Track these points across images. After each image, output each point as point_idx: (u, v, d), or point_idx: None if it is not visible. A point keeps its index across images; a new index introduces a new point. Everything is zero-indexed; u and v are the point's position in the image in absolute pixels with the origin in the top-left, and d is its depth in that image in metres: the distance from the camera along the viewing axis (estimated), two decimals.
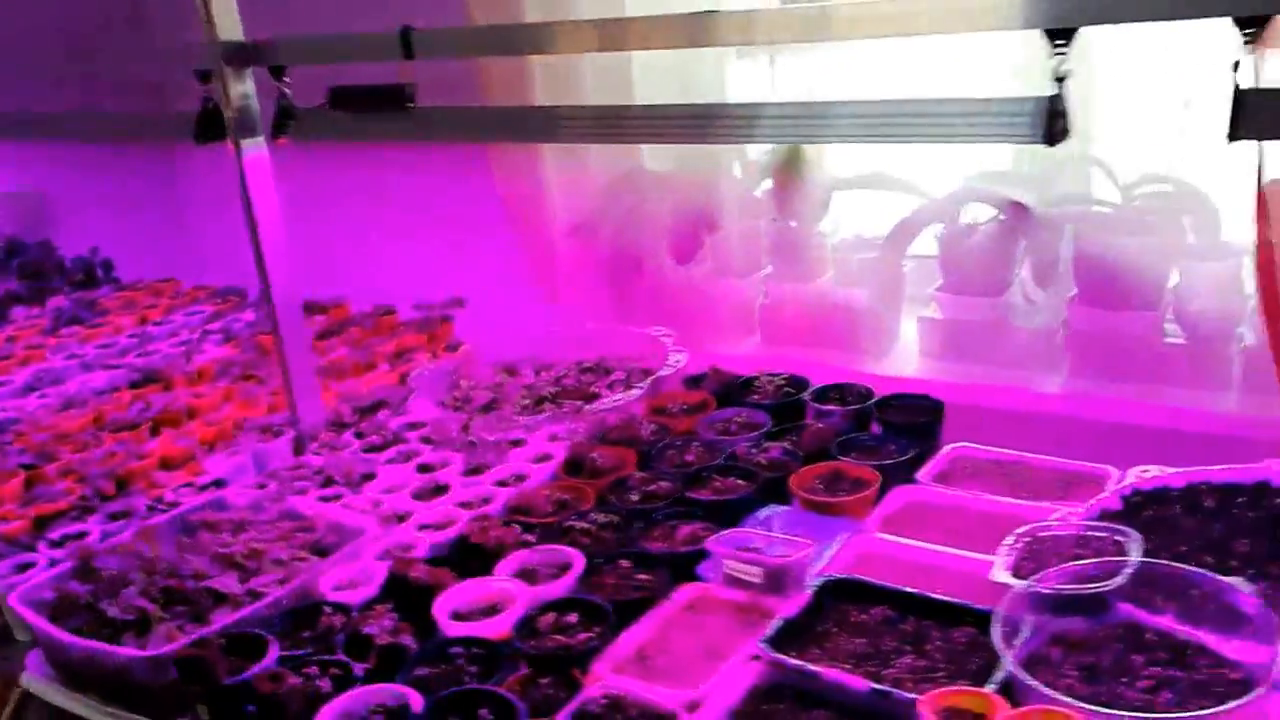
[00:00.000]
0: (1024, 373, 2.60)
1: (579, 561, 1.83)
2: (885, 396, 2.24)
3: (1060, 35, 1.41)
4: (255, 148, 2.19)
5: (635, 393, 2.34)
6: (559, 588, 1.78)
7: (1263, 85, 1.95)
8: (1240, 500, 1.86)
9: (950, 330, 2.69)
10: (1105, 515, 1.87)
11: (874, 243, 2.80)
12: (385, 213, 3.53)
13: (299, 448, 2.36)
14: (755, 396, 2.34)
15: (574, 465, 2.15)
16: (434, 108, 2.02)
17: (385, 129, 2.09)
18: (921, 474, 2.05)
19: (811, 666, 1.55)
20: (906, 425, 2.16)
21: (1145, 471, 1.97)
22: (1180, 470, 1.95)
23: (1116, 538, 1.68)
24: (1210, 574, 1.55)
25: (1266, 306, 2.14)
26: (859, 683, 1.51)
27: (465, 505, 2.05)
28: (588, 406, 2.30)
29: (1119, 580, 1.58)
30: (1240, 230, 2.31)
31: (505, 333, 2.89)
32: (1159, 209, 2.47)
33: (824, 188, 2.85)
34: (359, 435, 2.37)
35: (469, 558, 1.90)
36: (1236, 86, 1.36)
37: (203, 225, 4.04)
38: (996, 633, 1.51)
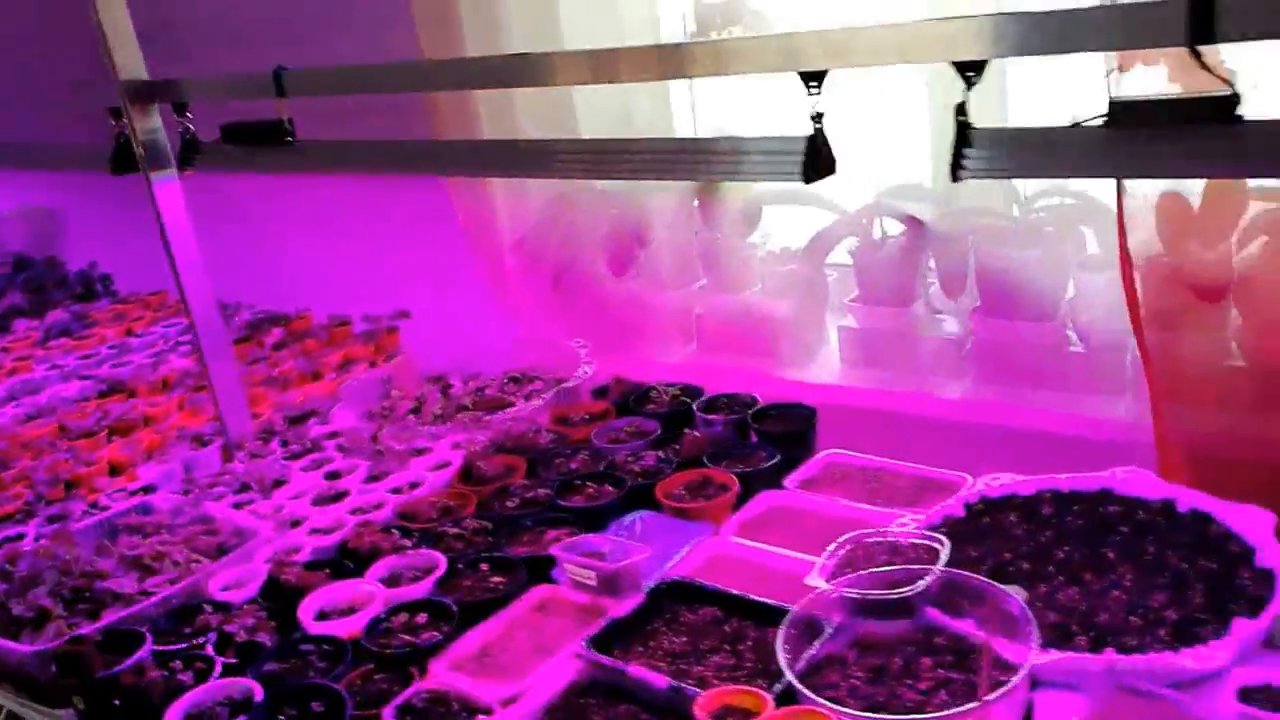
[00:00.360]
0: (934, 380, 2.66)
1: (442, 565, 1.95)
2: (764, 406, 2.33)
3: (813, 78, 1.49)
4: (166, 178, 2.35)
5: (537, 403, 2.46)
6: (418, 590, 1.90)
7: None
8: (1076, 508, 1.93)
9: (865, 339, 2.76)
10: (948, 521, 1.95)
11: (798, 255, 2.88)
12: (358, 227, 3.69)
13: (227, 455, 2.52)
14: (651, 406, 2.45)
15: (467, 473, 2.28)
16: (313, 141, 2.16)
17: (275, 162, 2.24)
18: (789, 480, 2.14)
19: (618, 663, 1.66)
20: (780, 434, 2.24)
21: (996, 479, 2.04)
22: (1030, 478, 2.02)
23: (932, 545, 1.76)
24: (989, 581, 1.62)
25: (1132, 314, 2.20)
26: (659, 679, 1.61)
27: (358, 511, 2.18)
28: (486, 416, 2.42)
29: (917, 587, 1.66)
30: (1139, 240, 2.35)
31: (448, 343, 3.03)
32: (1057, 221, 2.52)
33: (755, 202, 2.94)
34: (284, 444, 2.52)
35: (349, 561, 2.03)
36: (960, 126, 1.43)
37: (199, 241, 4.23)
38: (782, 634, 1.60)
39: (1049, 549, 1.82)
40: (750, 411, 2.31)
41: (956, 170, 1.44)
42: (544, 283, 3.20)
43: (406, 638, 1.78)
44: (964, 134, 1.43)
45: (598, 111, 3.00)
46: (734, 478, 2.08)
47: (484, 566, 1.95)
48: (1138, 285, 2.24)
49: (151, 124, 2.30)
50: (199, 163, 2.31)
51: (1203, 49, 1.20)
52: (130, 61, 2.25)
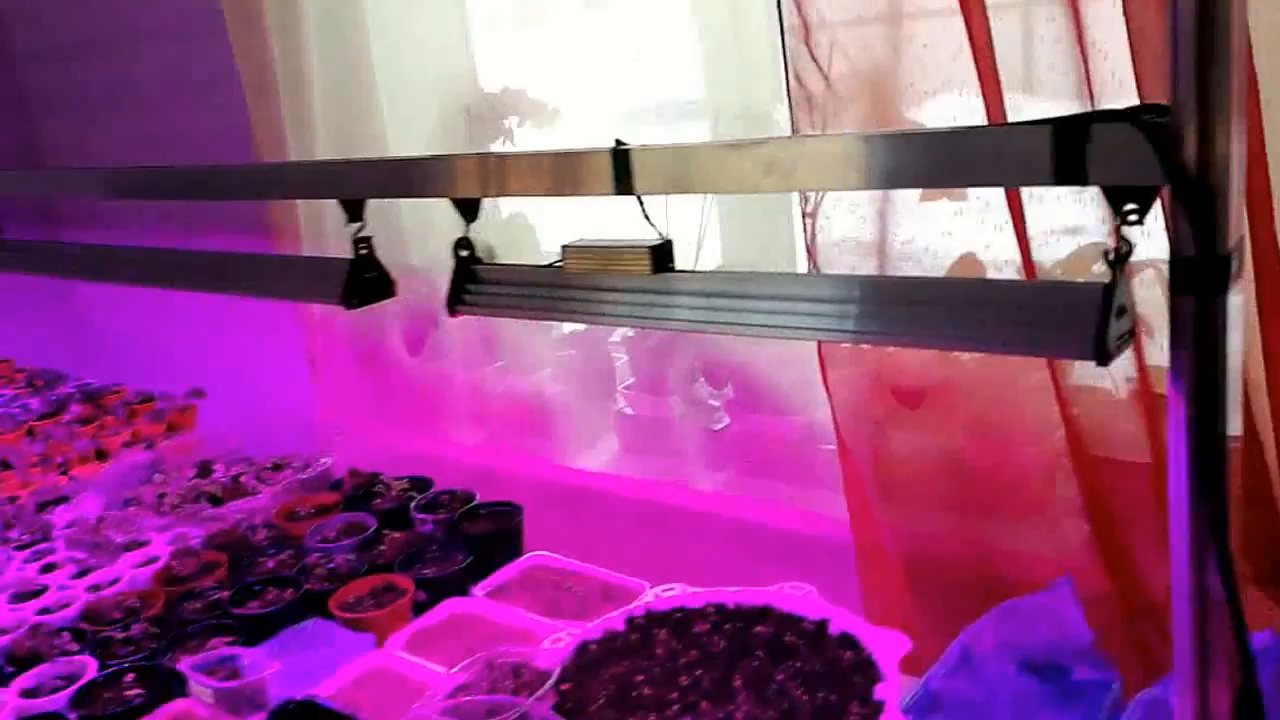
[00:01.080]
0: (696, 470, 2.61)
1: (90, 673, 1.91)
2: (474, 505, 2.28)
3: (351, 206, 1.47)
4: None
5: (265, 495, 2.42)
6: (52, 701, 1.86)
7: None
8: (728, 626, 1.87)
9: (635, 426, 2.72)
10: (607, 634, 1.89)
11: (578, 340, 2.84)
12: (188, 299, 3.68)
13: None
14: (377, 501, 2.40)
15: (168, 570, 2.24)
16: (26, 242, 2.16)
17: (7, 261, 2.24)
18: (480, 586, 2.09)
19: None
20: (482, 535, 2.20)
21: (669, 589, 1.98)
22: (701, 590, 1.96)
23: (545, 669, 1.71)
24: (554, 715, 1.57)
25: (833, 415, 2.15)
26: None
27: (45, 611, 2.15)
28: (209, 510, 2.39)
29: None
30: None
31: (241, 424, 3.01)
32: None
33: None
34: (23, 532, 2.50)
35: (12, 665, 1.99)
36: (459, 260, 1.40)
37: (59, 312, 4.26)
38: None
39: (680, 672, 1.76)
40: (461, 510, 2.26)
41: (454, 305, 1.40)
42: (348, 361, 3.18)
43: None
44: (465, 269, 1.39)
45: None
46: (411, 584, 2.03)
47: (129, 677, 1.91)
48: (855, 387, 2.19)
49: None
50: None
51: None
52: None
